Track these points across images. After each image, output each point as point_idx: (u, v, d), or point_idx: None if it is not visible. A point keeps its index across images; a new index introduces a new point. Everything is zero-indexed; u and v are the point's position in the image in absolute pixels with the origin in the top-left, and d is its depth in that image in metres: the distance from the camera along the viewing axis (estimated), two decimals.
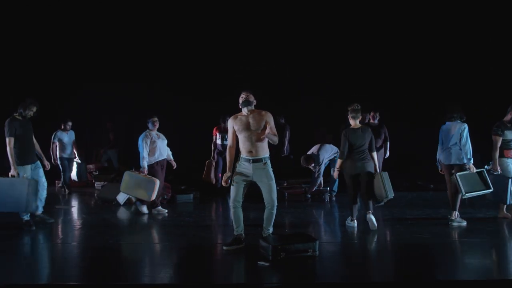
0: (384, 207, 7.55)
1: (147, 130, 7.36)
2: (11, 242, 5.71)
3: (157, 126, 7.40)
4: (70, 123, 9.54)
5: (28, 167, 6.30)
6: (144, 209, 7.42)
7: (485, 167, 10.06)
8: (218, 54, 11.15)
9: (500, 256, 5.09)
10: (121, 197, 8.15)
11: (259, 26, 10.89)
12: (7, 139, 6.15)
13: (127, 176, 7.17)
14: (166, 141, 7.48)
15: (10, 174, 6.18)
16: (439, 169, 6.72)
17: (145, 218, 7.15)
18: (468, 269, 4.69)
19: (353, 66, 11.08)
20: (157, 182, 7.04)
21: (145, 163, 7.14)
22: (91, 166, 10.83)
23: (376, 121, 8.60)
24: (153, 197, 7.05)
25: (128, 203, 8.21)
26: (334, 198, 8.47)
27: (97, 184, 9.98)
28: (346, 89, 10.55)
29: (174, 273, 4.64)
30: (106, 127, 11.27)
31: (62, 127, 9.52)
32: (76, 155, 9.80)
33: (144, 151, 7.16)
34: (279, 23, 10.96)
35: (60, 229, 6.54)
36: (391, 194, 6.25)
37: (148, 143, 7.20)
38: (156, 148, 7.27)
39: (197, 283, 4.39)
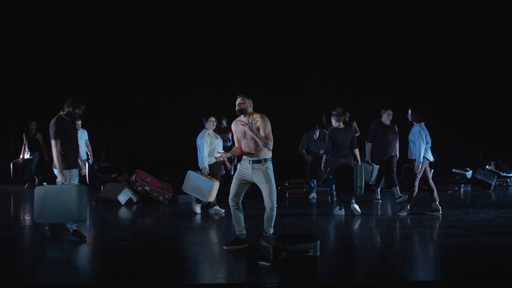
0: (384, 207, 7.56)
1: (204, 129, 7.23)
2: (12, 243, 5.72)
3: (215, 126, 7.36)
4: (79, 122, 8.72)
5: (75, 171, 5.71)
6: (198, 209, 7.35)
7: (487, 167, 10.11)
8: (217, 54, 11.15)
9: (500, 257, 5.08)
10: (122, 197, 8.16)
11: (263, 27, 10.89)
12: (53, 141, 5.48)
13: (191, 176, 6.93)
14: (222, 141, 7.45)
15: (58, 181, 5.62)
16: (419, 166, 6.90)
17: (146, 218, 7.16)
18: (469, 270, 4.69)
19: (353, 65, 11.08)
20: (216, 184, 6.78)
21: (206, 163, 7.06)
22: None
23: (388, 122, 8.11)
24: (211, 198, 6.78)
25: (129, 203, 8.22)
26: (335, 199, 8.46)
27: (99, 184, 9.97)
28: (344, 88, 10.57)
29: (174, 273, 4.64)
30: (29, 127, 10.31)
31: None
32: (90, 157, 9.17)
33: (204, 151, 7.06)
34: (281, 23, 10.97)
35: (60, 230, 6.53)
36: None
37: (208, 142, 7.12)
38: (215, 148, 7.21)
39: (198, 283, 4.40)
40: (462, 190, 9.46)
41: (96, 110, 11.34)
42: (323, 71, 11.07)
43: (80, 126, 8.77)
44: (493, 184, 9.43)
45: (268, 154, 5.13)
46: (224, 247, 5.22)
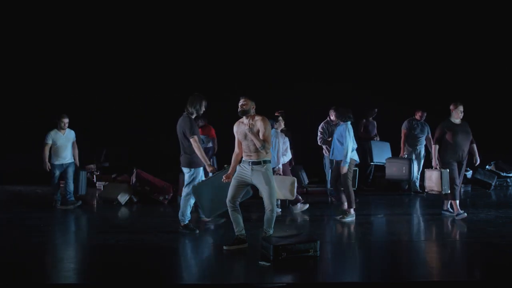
0: (385, 207, 7.57)
1: (274, 129, 7.00)
2: (11, 242, 5.73)
3: (282, 125, 7.26)
4: (65, 120, 7.84)
5: (201, 168, 6.06)
6: (297, 207, 7.24)
7: (487, 167, 10.11)
8: (217, 54, 11.15)
9: (500, 257, 5.08)
10: (122, 197, 8.16)
11: (263, 27, 10.88)
12: (191, 138, 5.80)
13: None
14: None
15: (210, 171, 5.92)
16: (346, 168, 6.63)
17: (147, 218, 7.15)
18: (469, 269, 4.69)
19: (353, 65, 11.08)
20: (295, 180, 6.76)
21: (280, 164, 6.96)
22: (92, 166, 10.77)
23: (458, 121, 7.11)
24: (295, 194, 6.73)
25: (129, 203, 8.21)
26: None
27: (99, 184, 9.96)
28: (344, 88, 10.56)
29: (175, 273, 4.65)
30: None
31: (58, 125, 7.81)
32: (76, 160, 8.06)
33: (279, 151, 6.93)
34: (282, 23, 10.97)
35: (61, 230, 6.54)
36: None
37: (281, 143, 7.02)
38: (287, 147, 7.16)
39: (198, 283, 4.40)
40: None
41: (96, 110, 11.42)
42: (323, 71, 11.06)
43: (66, 125, 7.91)
44: (493, 184, 9.43)
45: (267, 156, 5.15)
46: (224, 247, 5.23)
